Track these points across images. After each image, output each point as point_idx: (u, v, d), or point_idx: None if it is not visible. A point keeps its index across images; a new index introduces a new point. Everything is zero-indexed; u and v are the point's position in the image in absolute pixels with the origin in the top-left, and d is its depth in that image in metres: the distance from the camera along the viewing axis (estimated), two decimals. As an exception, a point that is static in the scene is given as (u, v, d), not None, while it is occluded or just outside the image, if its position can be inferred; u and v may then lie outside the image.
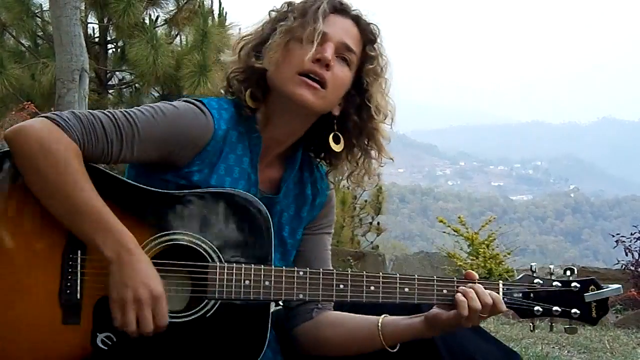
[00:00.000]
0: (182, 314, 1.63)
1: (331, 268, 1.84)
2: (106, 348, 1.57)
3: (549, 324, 1.79)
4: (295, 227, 1.86)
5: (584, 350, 4.29)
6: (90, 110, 1.62)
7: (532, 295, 1.75)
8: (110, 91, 11.90)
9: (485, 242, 8.80)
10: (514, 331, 4.91)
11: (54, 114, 1.58)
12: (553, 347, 4.38)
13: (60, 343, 1.55)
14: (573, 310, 1.76)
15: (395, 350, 1.74)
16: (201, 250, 1.65)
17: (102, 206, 1.55)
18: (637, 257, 6.36)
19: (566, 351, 4.28)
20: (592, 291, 1.77)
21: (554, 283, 1.76)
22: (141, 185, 1.66)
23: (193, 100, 1.73)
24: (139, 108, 1.67)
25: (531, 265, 1.78)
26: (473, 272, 1.74)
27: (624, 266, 6.43)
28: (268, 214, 1.69)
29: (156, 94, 10.32)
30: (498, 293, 1.72)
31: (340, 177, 1.92)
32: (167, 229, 1.64)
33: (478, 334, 1.81)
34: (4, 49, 12.58)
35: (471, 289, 1.68)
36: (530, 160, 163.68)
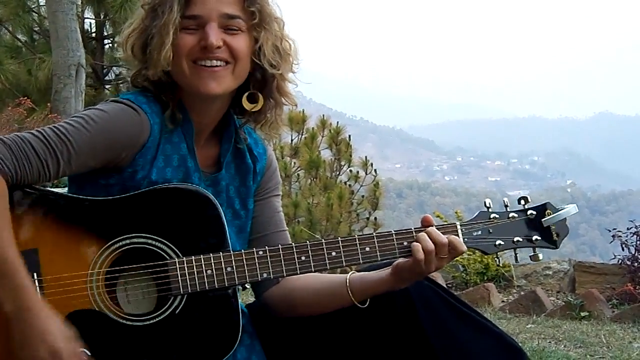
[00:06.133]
0: (152, 315, 1.65)
1: (285, 228, 1.87)
2: None
3: (514, 254, 1.79)
4: (244, 197, 1.86)
5: (580, 345, 4.30)
6: (18, 134, 1.57)
7: (491, 230, 1.76)
8: (107, 86, 11.88)
9: (482, 237, 8.76)
10: (510, 326, 4.92)
11: None
12: (549, 342, 4.39)
13: None
14: (534, 237, 1.77)
15: (364, 306, 1.75)
16: (157, 250, 1.65)
17: (13, 256, 1.49)
18: (633, 252, 6.35)
19: (562, 345, 4.29)
20: (548, 215, 1.78)
21: (511, 215, 1.77)
22: (83, 197, 1.64)
23: (121, 99, 1.69)
24: (68, 121, 1.63)
25: (485, 201, 1.79)
26: (429, 216, 1.75)
27: (620, 261, 6.41)
28: (215, 200, 1.69)
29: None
30: (457, 235, 1.73)
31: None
32: (119, 235, 1.63)
33: (477, 330, 1.79)
34: (0, 44, 12.54)
35: (424, 233, 1.70)
36: (527, 155, 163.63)
